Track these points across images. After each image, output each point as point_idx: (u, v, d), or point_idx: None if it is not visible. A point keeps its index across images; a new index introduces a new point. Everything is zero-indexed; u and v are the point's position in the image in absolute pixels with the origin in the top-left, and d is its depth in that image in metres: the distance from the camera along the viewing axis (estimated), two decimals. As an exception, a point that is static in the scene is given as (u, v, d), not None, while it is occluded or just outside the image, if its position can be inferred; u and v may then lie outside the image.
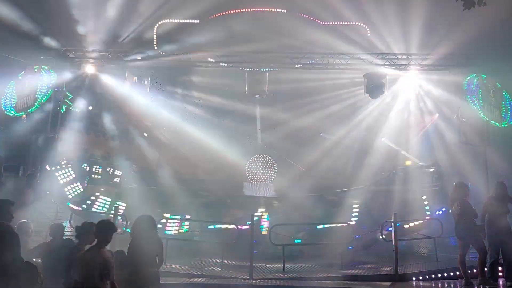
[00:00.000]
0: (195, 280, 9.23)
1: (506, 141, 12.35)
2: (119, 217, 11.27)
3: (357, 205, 13.18)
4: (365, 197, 13.26)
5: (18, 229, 6.31)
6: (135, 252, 6.02)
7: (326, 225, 12.36)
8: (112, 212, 11.22)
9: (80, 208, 12.97)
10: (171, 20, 13.11)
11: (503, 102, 12.38)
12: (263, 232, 12.01)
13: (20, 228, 7.07)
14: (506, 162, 12.43)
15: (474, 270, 8.95)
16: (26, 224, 7.57)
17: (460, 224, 8.81)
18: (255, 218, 10.88)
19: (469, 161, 13.31)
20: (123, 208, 12.51)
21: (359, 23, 13.15)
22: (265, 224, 12.46)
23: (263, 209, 12.92)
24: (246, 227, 10.97)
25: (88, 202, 13.27)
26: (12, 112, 12.57)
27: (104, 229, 5.43)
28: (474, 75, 12.49)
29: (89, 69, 13.19)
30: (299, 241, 12.01)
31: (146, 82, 13.69)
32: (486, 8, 5.98)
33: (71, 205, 13.17)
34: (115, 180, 14.96)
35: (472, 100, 12.30)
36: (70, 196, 13.61)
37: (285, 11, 13.33)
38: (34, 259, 7.05)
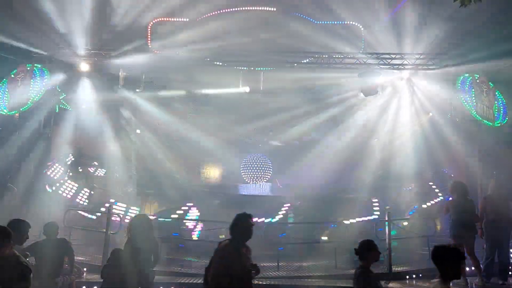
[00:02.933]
0: (190, 279, 9.23)
1: (499, 141, 12.45)
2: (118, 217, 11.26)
3: (376, 200, 13.32)
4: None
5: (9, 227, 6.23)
6: (131, 251, 6.02)
7: (352, 221, 12.39)
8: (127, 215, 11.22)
9: (94, 217, 12.74)
10: (165, 19, 13.06)
11: (496, 102, 12.45)
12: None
13: (11, 226, 7.02)
14: (498, 162, 12.53)
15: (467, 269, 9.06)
16: (15, 221, 7.51)
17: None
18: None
19: (462, 161, 13.42)
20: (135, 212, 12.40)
21: (354, 23, 13.18)
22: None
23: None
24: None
25: (103, 209, 12.38)
26: (5, 110, 12.46)
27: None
28: (467, 74, 12.55)
29: (83, 67, 13.10)
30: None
31: (140, 80, 13.63)
32: (480, 7, 6.01)
33: (82, 212, 12.93)
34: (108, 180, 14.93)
35: (465, 100, 12.37)
36: (84, 204, 13.60)
37: (280, 10, 13.32)
38: (27, 258, 7.03)
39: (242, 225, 5.02)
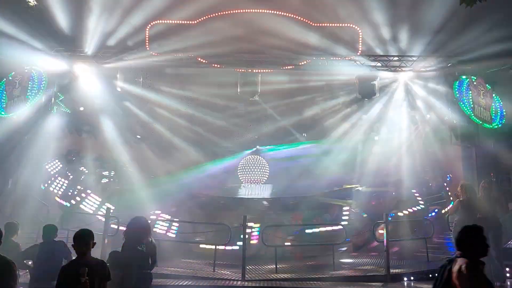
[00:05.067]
0: (188, 281, 9.21)
1: (496, 142, 12.49)
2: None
3: (347, 207, 13.28)
4: (357, 198, 13.43)
5: (5, 229, 6.23)
6: (129, 253, 6.02)
7: (316, 229, 12.40)
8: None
9: (67, 203, 13.18)
10: (163, 21, 13.06)
11: (493, 104, 12.49)
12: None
13: (7, 228, 7.01)
14: (495, 163, 12.58)
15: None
16: (13, 224, 7.51)
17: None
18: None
19: (459, 162, 13.46)
20: (113, 210, 12.46)
21: (351, 25, 13.18)
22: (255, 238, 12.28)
23: (254, 224, 12.73)
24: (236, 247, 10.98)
25: (78, 198, 13.50)
26: (2, 113, 12.46)
27: None
28: (465, 76, 12.58)
29: (81, 69, 13.09)
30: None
31: (138, 83, 13.62)
32: (479, 9, 6.04)
33: (58, 199, 13.41)
34: (104, 181, 14.93)
35: (462, 102, 12.39)
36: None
37: (278, 12, 13.32)
38: (25, 261, 7.03)
39: (475, 240, 4.37)
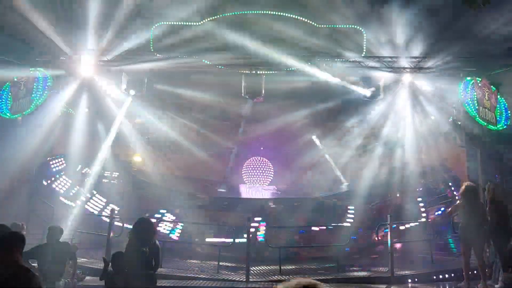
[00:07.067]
0: (191, 282, 9.22)
1: (500, 144, 12.43)
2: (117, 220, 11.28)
3: (352, 207, 13.33)
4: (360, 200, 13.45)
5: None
6: (132, 254, 6.03)
7: (321, 227, 12.51)
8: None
9: (73, 204, 13.29)
10: (167, 22, 13.08)
11: (497, 105, 12.44)
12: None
13: (12, 229, 7.05)
14: (499, 165, 12.52)
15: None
16: (17, 225, 7.56)
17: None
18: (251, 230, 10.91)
19: (464, 164, 13.42)
20: (117, 210, 12.55)
21: (355, 26, 13.15)
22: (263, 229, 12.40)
23: (259, 218, 12.81)
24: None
25: (83, 199, 13.67)
26: (7, 114, 12.52)
27: None
28: (469, 78, 12.53)
29: (85, 71, 13.15)
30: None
31: (142, 84, 13.66)
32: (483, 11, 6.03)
33: (62, 199, 13.50)
34: (105, 181, 15.00)
35: (467, 103, 12.34)
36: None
37: (281, 13, 13.31)
38: (29, 261, 7.07)
39: None
